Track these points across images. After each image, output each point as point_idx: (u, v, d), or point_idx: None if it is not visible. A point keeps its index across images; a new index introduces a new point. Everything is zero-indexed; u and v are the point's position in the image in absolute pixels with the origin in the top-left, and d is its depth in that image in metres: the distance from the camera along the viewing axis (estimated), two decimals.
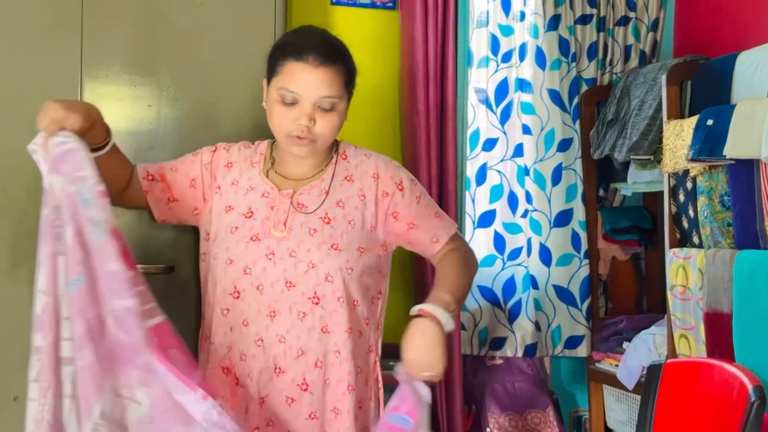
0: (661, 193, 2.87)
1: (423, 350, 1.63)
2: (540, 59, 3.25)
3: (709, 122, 2.49)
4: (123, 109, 2.23)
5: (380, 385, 1.85)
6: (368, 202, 1.82)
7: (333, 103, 1.70)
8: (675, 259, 2.67)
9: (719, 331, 2.45)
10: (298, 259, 1.72)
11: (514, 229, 3.31)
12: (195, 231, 2.25)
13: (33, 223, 2.13)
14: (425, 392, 1.65)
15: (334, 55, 1.71)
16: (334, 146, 1.86)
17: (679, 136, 2.62)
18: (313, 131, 1.70)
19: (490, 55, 3.28)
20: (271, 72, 1.74)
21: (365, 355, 1.81)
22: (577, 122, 3.31)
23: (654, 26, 3.44)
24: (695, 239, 2.67)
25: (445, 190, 3.03)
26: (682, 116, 2.75)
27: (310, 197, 1.78)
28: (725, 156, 2.40)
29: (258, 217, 1.76)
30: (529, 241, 3.28)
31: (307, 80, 1.68)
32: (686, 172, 2.65)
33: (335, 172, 1.83)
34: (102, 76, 2.20)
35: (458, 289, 1.79)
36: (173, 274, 2.22)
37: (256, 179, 1.82)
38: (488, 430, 3.10)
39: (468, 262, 1.90)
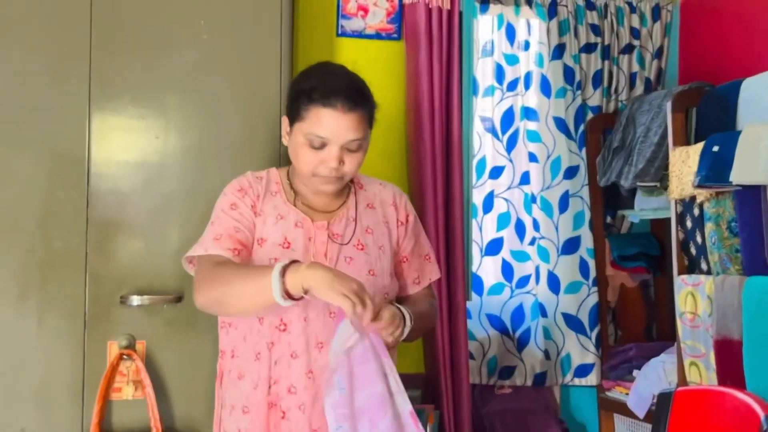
0: (669, 219, 2.86)
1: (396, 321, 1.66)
2: (545, 87, 3.27)
3: (715, 148, 2.49)
4: (131, 140, 2.25)
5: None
6: (391, 229, 1.89)
7: (359, 144, 1.74)
8: (684, 286, 2.66)
9: (730, 359, 2.42)
10: None
11: (521, 256, 3.30)
12: None
13: (41, 253, 2.16)
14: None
15: (361, 99, 1.74)
16: None
17: (685, 163, 2.62)
18: (340, 170, 1.74)
19: (496, 84, 3.30)
20: (295, 115, 1.75)
21: None
22: (583, 149, 3.32)
23: (658, 54, 3.45)
24: (703, 266, 2.65)
25: (451, 218, 3.04)
26: (687, 143, 2.75)
27: (341, 227, 1.82)
28: (732, 182, 2.40)
29: (297, 248, 1.77)
30: (537, 268, 3.27)
31: (335, 126, 1.70)
32: (693, 198, 2.64)
33: (357, 200, 1.88)
34: (110, 108, 2.23)
35: (419, 324, 1.81)
36: (182, 303, 2.23)
37: (284, 208, 1.81)
38: None
39: (433, 315, 1.98)
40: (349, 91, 1.71)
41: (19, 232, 2.16)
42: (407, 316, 1.73)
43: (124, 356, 2.17)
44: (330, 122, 1.69)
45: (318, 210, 1.83)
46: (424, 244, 1.98)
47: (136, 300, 2.18)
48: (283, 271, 1.58)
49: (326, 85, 1.71)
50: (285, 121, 1.81)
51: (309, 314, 1.72)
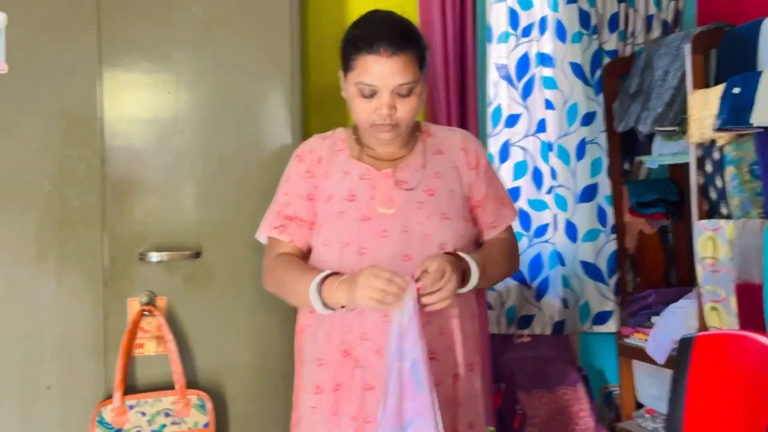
0: (688, 164, 2.82)
1: (445, 277, 1.64)
2: (560, 32, 3.21)
3: (736, 90, 2.44)
4: (142, 96, 2.23)
5: (481, 352, 1.91)
6: (461, 173, 1.88)
7: (410, 88, 1.73)
8: (703, 230, 2.63)
9: (751, 303, 2.41)
10: (412, 233, 1.76)
11: (539, 205, 3.28)
12: (222, 215, 2.26)
13: (58, 213, 2.16)
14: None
15: (404, 41, 1.72)
16: (416, 126, 1.91)
17: (704, 106, 2.57)
18: (394, 117, 1.74)
19: (510, 30, 3.24)
20: (346, 66, 1.77)
21: (471, 320, 1.87)
22: (600, 95, 3.26)
23: None
24: (724, 210, 2.63)
25: None
26: (707, 85, 2.70)
27: (408, 173, 1.83)
28: (753, 124, 2.36)
29: (362, 198, 1.80)
30: (555, 217, 3.25)
31: (381, 71, 1.70)
32: (713, 142, 2.60)
33: (425, 147, 1.88)
34: (121, 64, 2.21)
35: (491, 270, 1.83)
36: (200, 259, 2.23)
37: (348, 164, 1.85)
38: (518, 407, 3.09)
39: (511, 259, 1.96)
40: (392, 35, 1.70)
41: (34, 192, 2.15)
42: (472, 265, 1.73)
43: (145, 312, 2.18)
44: (375, 68, 1.70)
45: (384, 160, 1.85)
46: (498, 187, 1.96)
47: (154, 257, 2.19)
48: (320, 285, 1.70)
49: (369, 31, 1.73)
50: (341, 75, 1.82)
51: (380, 259, 1.72)
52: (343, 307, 1.71)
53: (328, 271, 1.72)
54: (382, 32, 1.71)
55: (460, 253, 1.76)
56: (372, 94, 1.73)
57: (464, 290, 1.75)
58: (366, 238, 1.75)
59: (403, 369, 1.59)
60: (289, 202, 1.87)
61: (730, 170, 2.54)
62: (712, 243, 2.58)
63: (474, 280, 1.75)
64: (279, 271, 1.83)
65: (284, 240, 1.86)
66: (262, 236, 1.93)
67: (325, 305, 1.71)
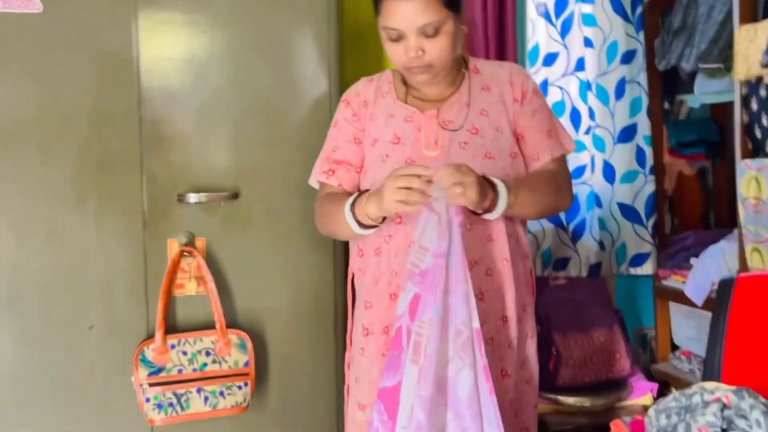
0: (730, 104, 2.75)
1: (462, 170, 1.59)
2: None
3: None
4: (178, 35, 2.21)
5: (533, 291, 1.91)
6: (507, 107, 1.84)
7: (435, 27, 1.69)
8: (747, 170, 2.57)
9: None
10: None
11: (577, 146, 3.22)
12: (259, 156, 2.25)
13: (96, 155, 2.16)
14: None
15: None
16: (464, 63, 1.88)
17: (752, 41, 2.49)
18: (424, 59, 1.71)
19: None
20: (375, 11, 1.75)
21: (523, 261, 1.86)
22: (641, 33, 3.17)
23: None
24: None
25: None
26: (755, 20, 2.61)
27: (452, 113, 1.81)
28: None
29: (407, 141, 1.79)
30: (592, 158, 3.20)
31: (402, 14, 1.67)
32: (760, 79, 2.52)
33: (471, 84, 1.85)
34: (157, 2, 2.18)
35: (526, 196, 1.74)
36: (238, 200, 2.23)
37: (393, 106, 1.84)
38: (553, 349, 3.10)
39: (557, 189, 1.87)
40: None
41: (72, 133, 2.16)
42: (499, 184, 1.67)
43: (185, 253, 2.20)
44: (397, 12, 1.67)
45: (430, 100, 1.83)
46: (545, 119, 1.89)
47: (193, 198, 2.19)
48: (353, 206, 1.71)
49: None
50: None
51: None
52: (383, 221, 1.71)
53: (357, 193, 1.75)
54: None
55: (489, 176, 1.69)
56: (399, 38, 1.71)
57: (494, 214, 1.69)
58: None
59: (436, 252, 1.58)
60: (337, 146, 1.87)
61: None
62: (756, 183, 2.53)
63: (503, 200, 1.67)
64: (324, 208, 1.85)
65: (333, 184, 1.86)
66: (313, 181, 1.93)
67: (363, 225, 1.72)
